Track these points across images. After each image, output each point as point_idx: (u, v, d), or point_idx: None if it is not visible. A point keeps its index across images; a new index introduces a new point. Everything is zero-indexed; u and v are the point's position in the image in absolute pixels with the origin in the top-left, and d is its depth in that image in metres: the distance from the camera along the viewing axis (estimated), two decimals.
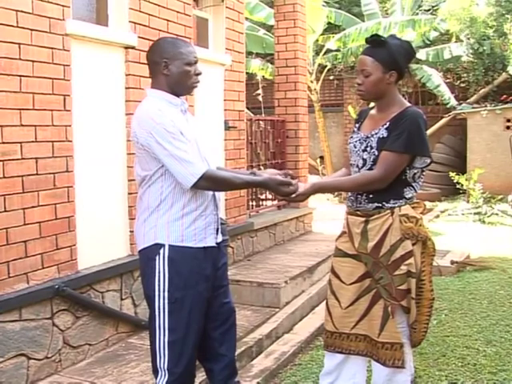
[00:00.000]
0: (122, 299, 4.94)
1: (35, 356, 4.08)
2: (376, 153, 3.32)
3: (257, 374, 4.50)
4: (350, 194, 3.50)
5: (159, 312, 3.22)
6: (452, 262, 7.47)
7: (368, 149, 3.36)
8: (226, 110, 6.72)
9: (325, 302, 3.62)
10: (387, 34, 11.15)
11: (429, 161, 3.37)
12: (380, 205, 3.33)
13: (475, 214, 11.44)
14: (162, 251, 3.20)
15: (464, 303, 6.09)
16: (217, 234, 3.44)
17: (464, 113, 14.45)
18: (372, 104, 3.68)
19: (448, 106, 14.83)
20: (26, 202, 4.02)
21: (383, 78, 3.33)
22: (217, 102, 6.63)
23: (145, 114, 3.17)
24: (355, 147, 3.46)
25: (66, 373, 4.25)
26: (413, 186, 3.39)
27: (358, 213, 3.40)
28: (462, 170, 13.40)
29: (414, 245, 3.31)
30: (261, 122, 8.28)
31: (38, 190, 4.13)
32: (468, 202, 12.23)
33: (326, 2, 14.87)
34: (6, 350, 3.86)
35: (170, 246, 3.20)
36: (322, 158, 15.93)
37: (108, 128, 4.91)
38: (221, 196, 3.56)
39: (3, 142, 3.86)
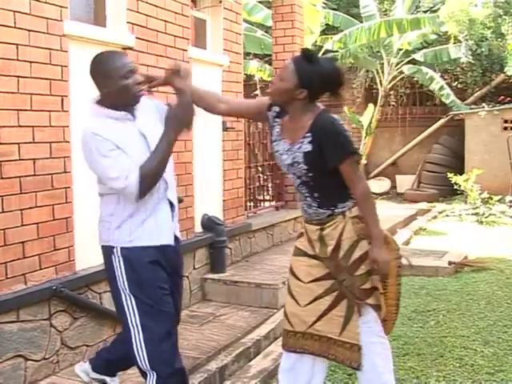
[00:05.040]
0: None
1: (33, 357, 4.08)
2: (305, 167, 3.32)
3: (255, 374, 4.50)
4: (301, 204, 3.53)
5: (129, 311, 3.27)
6: (450, 263, 7.48)
7: (295, 164, 3.35)
8: None
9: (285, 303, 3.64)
10: (390, 34, 11.09)
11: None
12: (330, 212, 3.37)
13: (473, 214, 11.45)
14: (115, 251, 3.27)
15: (462, 304, 6.09)
16: (173, 234, 3.45)
17: (462, 114, 14.46)
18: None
19: (454, 108, 14.81)
20: (23, 202, 4.02)
21: (292, 91, 3.26)
22: None
23: (83, 134, 3.23)
24: (283, 160, 3.44)
25: (64, 374, 4.25)
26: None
27: (313, 222, 3.44)
28: (459, 170, 13.41)
29: (370, 243, 3.35)
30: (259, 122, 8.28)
31: (35, 190, 4.13)
32: (466, 202, 12.24)
33: (324, 3, 14.85)
34: (4, 351, 3.86)
35: (121, 247, 3.26)
36: None
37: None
38: (175, 196, 3.52)
39: (1, 143, 3.86)
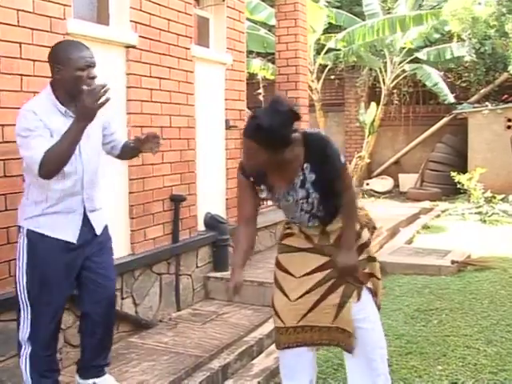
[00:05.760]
0: (122, 298, 4.95)
1: None
2: (318, 195, 3.32)
3: (257, 373, 4.50)
4: (301, 222, 3.49)
5: (19, 285, 3.49)
6: (453, 262, 7.46)
7: (310, 198, 3.34)
8: (226, 109, 6.73)
9: (271, 300, 3.62)
10: (393, 32, 11.09)
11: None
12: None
13: (476, 213, 11.43)
14: (22, 231, 3.52)
15: (465, 303, 6.08)
16: (89, 230, 3.64)
17: (465, 112, 14.45)
18: None
19: (446, 102, 14.83)
20: None
21: (272, 160, 3.16)
22: (218, 101, 6.63)
23: (22, 110, 3.39)
24: (288, 201, 3.41)
25: (67, 372, 4.24)
26: None
27: (315, 226, 3.47)
28: (462, 169, 13.38)
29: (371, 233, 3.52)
30: None
31: None
32: (469, 201, 12.22)
33: (327, 2, 14.86)
34: (8, 348, 3.87)
35: (28, 229, 3.47)
36: None
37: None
38: (94, 194, 3.70)
39: (4, 141, 3.86)
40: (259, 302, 5.84)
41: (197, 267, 6.07)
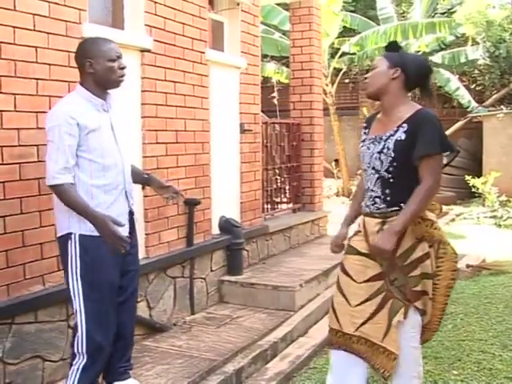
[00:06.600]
0: (136, 302, 4.94)
1: (50, 358, 4.09)
2: (393, 154, 3.30)
3: (272, 377, 4.50)
4: (366, 198, 3.49)
5: (75, 296, 3.45)
6: (467, 266, 7.44)
7: (385, 150, 3.33)
8: (241, 112, 6.73)
9: (331, 300, 3.59)
10: (406, 38, 11.14)
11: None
12: (398, 207, 3.32)
13: (491, 217, 11.39)
14: (73, 238, 3.42)
15: (480, 307, 6.05)
16: (130, 225, 3.66)
17: (480, 116, 14.39)
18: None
19: (469, 109, 14.76)
20: (42, 204, 4.03)
21: (387, 72, 3.40)
22: (232, 105, 6.63)
23: (55, 108, 3.47)
24: (369, 149, 3.46)
25: None
26: None
27: (376, 215, 3.39)
28: (477, 173, 13.33)
29: (430, 247, 3.32)
30: (276, 125, 8.28)
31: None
32: (484, 205, 12.17)
33: (341, 6, 14.85)
34: (22, 351, 3.88)
35: (80, 235, 3.41)
36: (336, 161, 15.91)
37: (123, 130, 4.91)
38: (133, 188, 3.76)
39: (20, 145, 3.88)
40: (273, 305, 5.83)
41: (211, 271, 6.07)
